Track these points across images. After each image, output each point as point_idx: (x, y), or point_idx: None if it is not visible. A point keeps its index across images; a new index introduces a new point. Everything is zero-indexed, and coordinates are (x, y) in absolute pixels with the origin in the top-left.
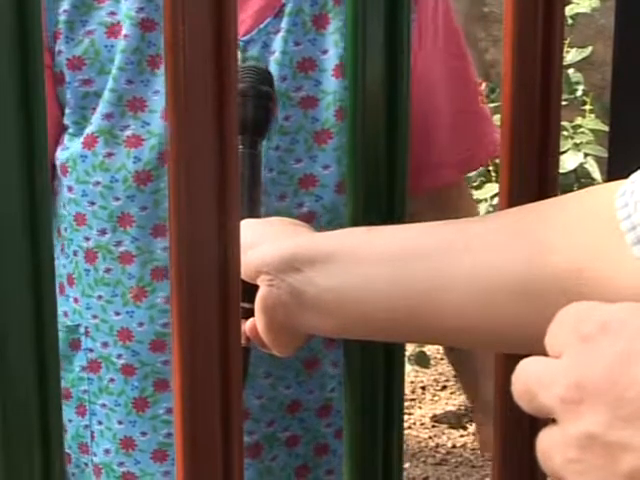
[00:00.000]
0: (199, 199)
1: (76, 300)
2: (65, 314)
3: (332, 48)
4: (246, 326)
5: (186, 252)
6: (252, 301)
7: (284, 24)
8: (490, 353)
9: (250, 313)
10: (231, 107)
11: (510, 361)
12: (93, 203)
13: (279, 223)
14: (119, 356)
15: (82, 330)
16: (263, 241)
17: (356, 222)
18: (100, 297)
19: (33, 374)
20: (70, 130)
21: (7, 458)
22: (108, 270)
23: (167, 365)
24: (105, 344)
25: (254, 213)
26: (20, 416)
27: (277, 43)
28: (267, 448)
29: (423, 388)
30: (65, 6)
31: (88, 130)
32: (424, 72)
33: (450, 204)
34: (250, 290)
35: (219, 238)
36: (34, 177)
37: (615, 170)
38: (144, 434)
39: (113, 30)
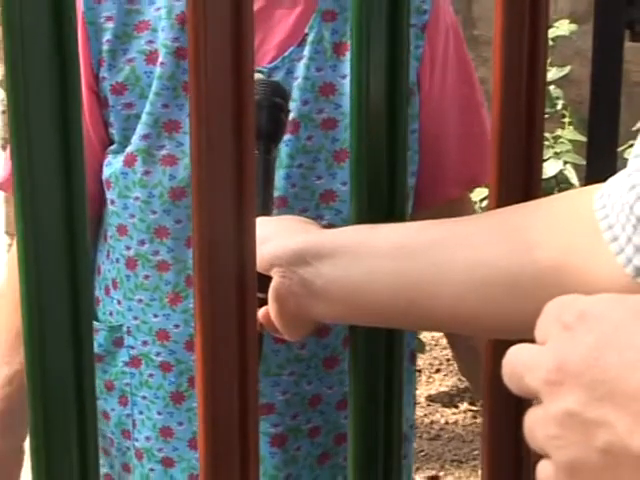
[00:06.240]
0: (219, 200)
1: (119, 302)
2: (110, 314)
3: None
4: (259, 314)
5: (207, 249)
6: (265, 291)
7: (306, 52)
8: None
9: (264, 302)
10: (249, 119)
11: (498, 347)
12: (133, 216)
13: (291, 220)
14: (157, 354)
15: (124, 329)
16: (276, 237)
17: (360, 220)
18: (140, 300)
19: (71, 373)
20: (114, 148)
21: (48, 452)
22: (147, 277)
23: None
24: (145, 342)
25: (267, 211)
26: (59, 413)
27: (300, 70)
28: (292, 439)
29: (419, 371)
30: (108, 36)
31: (128, 149)
32: (436, 99)
33: (452, 217)
34: (264, 281)
35: (237, 236)
36: (72, 184)
37: (591, 176)
38: (180, 424)
39: (151, 57)
